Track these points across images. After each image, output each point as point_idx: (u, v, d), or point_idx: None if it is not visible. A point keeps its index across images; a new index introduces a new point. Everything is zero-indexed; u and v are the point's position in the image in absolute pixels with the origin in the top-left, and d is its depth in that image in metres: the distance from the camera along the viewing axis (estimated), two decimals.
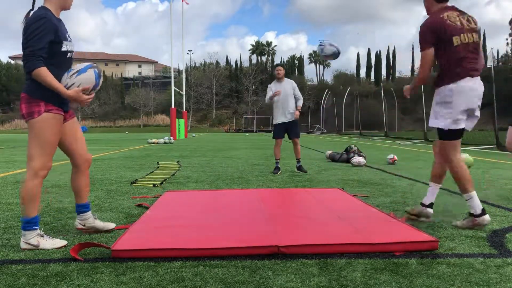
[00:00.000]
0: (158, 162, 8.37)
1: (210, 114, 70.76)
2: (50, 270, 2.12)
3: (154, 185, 5.10)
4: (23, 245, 2.52)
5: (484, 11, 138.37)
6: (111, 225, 2.93)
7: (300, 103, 6.50)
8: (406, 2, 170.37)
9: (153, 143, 18.50)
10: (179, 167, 7.33)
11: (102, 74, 2.70)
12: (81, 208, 2.83)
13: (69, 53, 2.63)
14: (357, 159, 7.62)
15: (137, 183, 5.25)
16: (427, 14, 3.07)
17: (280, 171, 6.48)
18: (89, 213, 2.85)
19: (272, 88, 6.55)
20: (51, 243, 2.54)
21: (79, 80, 2.56)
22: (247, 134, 44.25)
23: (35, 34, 2.43)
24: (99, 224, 2.88)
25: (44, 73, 2.45)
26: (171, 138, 20.57)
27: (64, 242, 2.59)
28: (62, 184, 5.21)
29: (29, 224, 2.52)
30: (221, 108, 71.84)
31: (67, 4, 2.65)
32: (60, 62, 2.58)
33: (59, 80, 2.55)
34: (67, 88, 2.54)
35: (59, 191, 4.65)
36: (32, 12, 2.56)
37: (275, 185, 5.16)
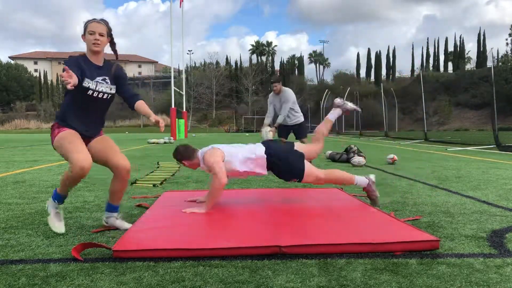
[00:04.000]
0: (158, 162, 8.37)
1: (210, 114, 70.77)
2: (50, 270, 2.12)
3: (154, 185, 5.10)
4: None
5: (484, 11, 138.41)
6: (127, 226, 3.01)
7: (279, 119, 6.67)
8: (406, 2, 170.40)
9: (153, 143, 18.50)
10: (179, 167, 7.33)
11: None
12: (109, 207, 3.03)
13: (90, 91, 2.81)
14: (357, 159, 7.62)
15: (137, 183, 5.25)
16: None
17: None
18: (115, 214, 3.03)
19: (272, 102, 6.86)
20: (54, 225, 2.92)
21: None
22: (247, 134, 44.24)
23: (69, 64, 2.68)
24: (118, 223, 3.02)
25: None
26: (171, 138, 20.58)
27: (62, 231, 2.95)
28: None
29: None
30: (221, 108, 71.85)
31: (90, 47, 2.85)
32: (83, 99, 2.82)
33: (75, 115, 2.88)
34: None
35: None
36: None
37: (275, 185, 5.16)
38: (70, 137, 2.80)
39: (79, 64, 2.77)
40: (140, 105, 2.99)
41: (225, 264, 2.21)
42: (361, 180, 3.75)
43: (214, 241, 2.48)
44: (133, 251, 2.32)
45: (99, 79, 2.87)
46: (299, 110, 6.89)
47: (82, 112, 2.88)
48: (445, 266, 2.17)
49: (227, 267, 2.16)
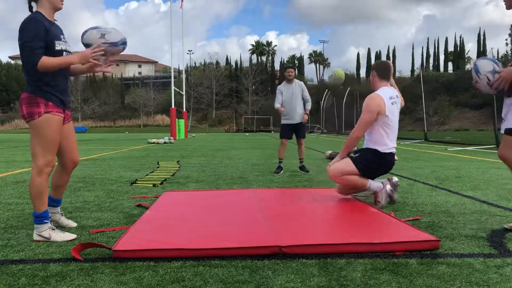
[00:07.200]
0: (158, 162, 8.37)
1: (210, 114, 70.78)
2: (50, 270, 2.12)
3: (154, 185, 5.10)
4: (35, 237, 2.67)
5: (484, 11, 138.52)
6: (73, 224, 3.07)
7: (309, 106, 6.51)
8: (406, 2, 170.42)
9: (153, 143, 18.50)
10: (179, 167, 7.33)
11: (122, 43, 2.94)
12: (54, 202, 3.02)
13: (64, 52, 2.72)
14: None
15: (137, 183, 5.25)
16: None
17: (282, 171, 6.48)
18: (58, 208, 3.05)
19: (282, 90, 6.53)
20: (61, 236, 2.69)
21: (107, 31, 2.76)
22: (247, 134, 44.24)
23: (30, 34, 2.54)
24: (63, 220, 3.05)
25: (47, 59, 2.56)
26: (171, 138, 20.58)
27: (73, 236, 2.73)
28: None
29: (39, 218, 2.68)
30: (221, 108, 71.85)
31: (56, 4, 2.72)
32: None
33: (58, 81, 2.70)
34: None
35: None
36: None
37: (275, 185, 5.16)
38: (56, 127, 2.65)
39: (45, 29, 2.57)
40: None
41: (225, 264, 2.21)
42: (374, 185, 3.78)
43: (214, 241, 2.48)
44: (133, 251, 2.32)
45: (62, 37, 2.74)
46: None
47: (60, 79, 2.71)
48: (445, 266, 2.17)
49: (227, 267, 2.15)
